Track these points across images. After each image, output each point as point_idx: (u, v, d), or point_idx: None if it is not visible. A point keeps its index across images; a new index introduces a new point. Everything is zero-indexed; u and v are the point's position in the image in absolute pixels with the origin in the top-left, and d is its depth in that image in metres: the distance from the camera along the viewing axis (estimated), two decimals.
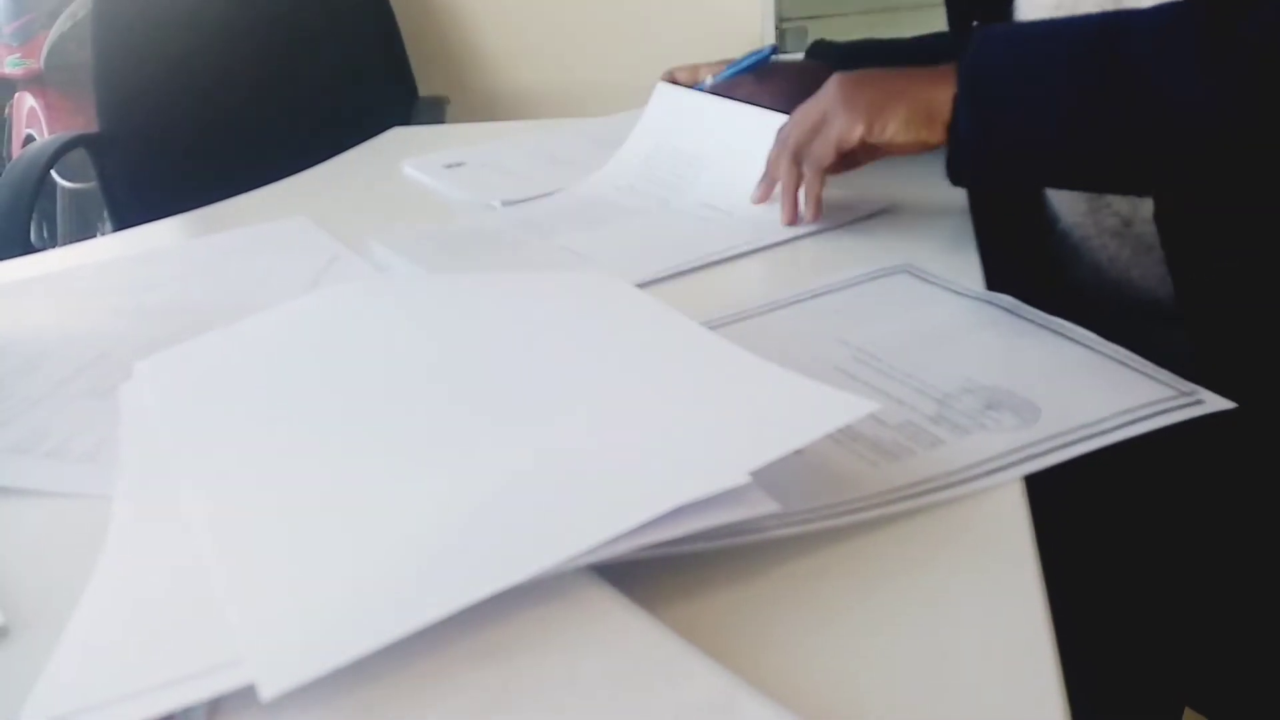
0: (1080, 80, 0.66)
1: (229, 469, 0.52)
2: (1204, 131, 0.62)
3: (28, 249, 1.66)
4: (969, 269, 0.73)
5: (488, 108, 2.21)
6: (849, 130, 0.76)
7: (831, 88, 0.79)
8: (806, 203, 0.82)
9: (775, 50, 1.04)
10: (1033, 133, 0.68)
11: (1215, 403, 0.53)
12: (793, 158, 0.82)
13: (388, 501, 0.47)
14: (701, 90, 1.03)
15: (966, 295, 0.69)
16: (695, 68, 1.06)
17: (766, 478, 0.45)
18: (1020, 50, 0.70)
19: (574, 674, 0.39)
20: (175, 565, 0.46)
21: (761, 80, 1.03)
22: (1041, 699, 0.38)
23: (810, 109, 0.81)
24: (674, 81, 1.06)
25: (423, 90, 2.10)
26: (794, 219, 0.83)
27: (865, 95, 0.77)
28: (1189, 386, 0.55)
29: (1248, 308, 0.68)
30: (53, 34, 2.39)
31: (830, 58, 1.08)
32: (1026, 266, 0.83)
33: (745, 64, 1.03)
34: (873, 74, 0.79)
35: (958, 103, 0.71)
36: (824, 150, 0.78)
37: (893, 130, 0.75)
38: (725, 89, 1.02)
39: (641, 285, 0.77)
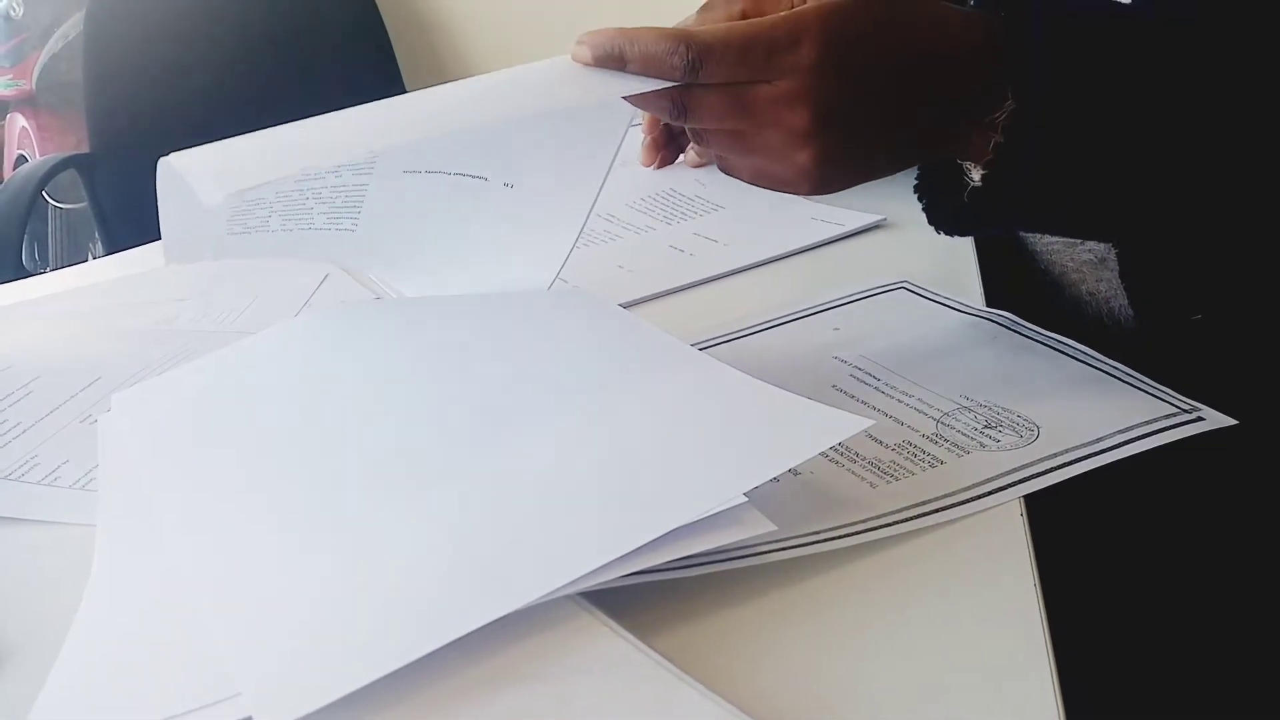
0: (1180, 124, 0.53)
1: (215, 500, 0.51)
2: None
3: (20, 271, 1.65)
4: (967, 285, 0.73)
5: None
6: (809, 185, 0.57)
7: (807, 94, 0.52)
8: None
9: None
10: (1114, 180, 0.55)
11: (1216, 420, 0.53)
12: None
13: (379, 530, 0.47)
14: None
15: (965, 311, 0.68)
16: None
17: (763, 500, 0.45)
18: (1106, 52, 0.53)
19: (565, 705, 0.39)
20: (163, 598, 0.46)
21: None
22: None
23: (768, 138, 0.55)
24: None
25: None
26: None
27: (850, 165, 0.57)
28: (1189, 403, 0.55)
29: (1221, 350, 0.67)
30: (44, 55, 2.39)
31: None
32: (1026, 282, 0.83)
33: None
34: (876, 72, 0.53)
35: (1014, 139, 0.53)
36: (756, 181, 0.59)
37: (876, 177, 0.59)
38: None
39: (633, 303, 0.77)
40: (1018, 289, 0.81)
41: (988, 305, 0.70)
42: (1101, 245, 0.74)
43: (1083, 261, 0.77)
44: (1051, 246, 0.79)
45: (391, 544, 0.46)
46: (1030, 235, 0.81)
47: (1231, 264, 0.63)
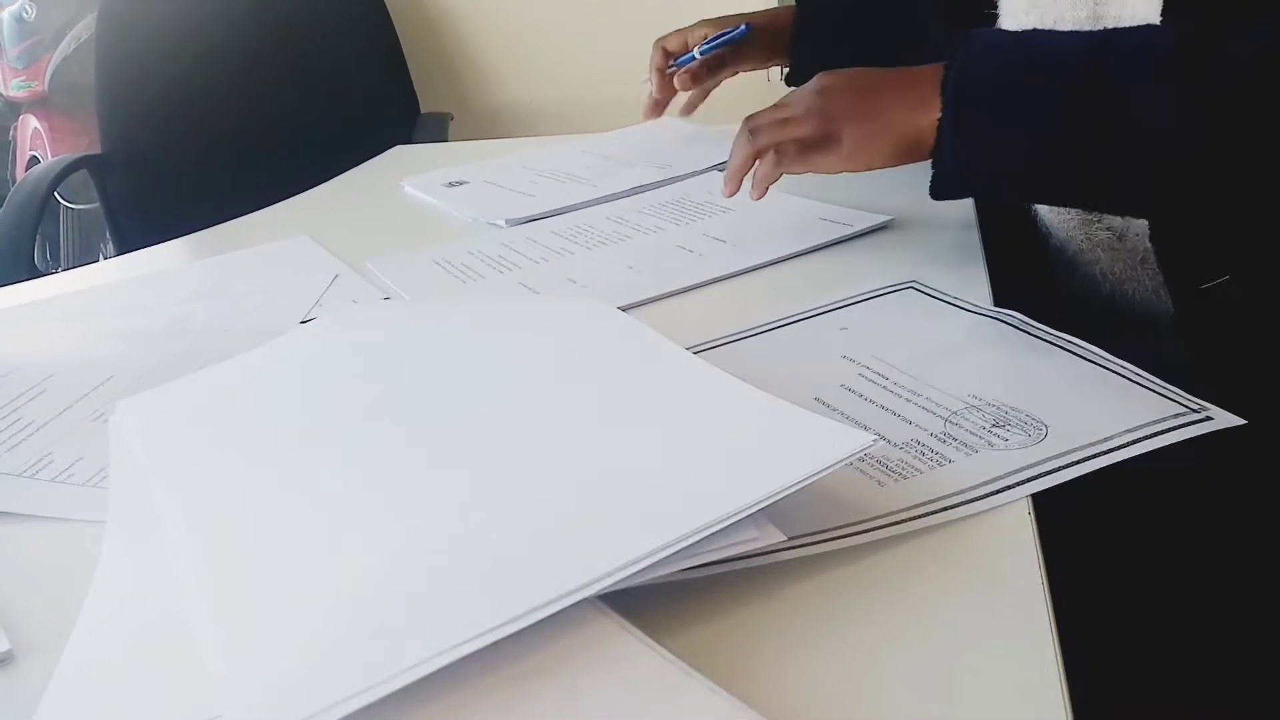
0: (1063, 111, 0.64)
1: (220, 507, 0.51)
2: (1182, 161, 0.62)
3: (33, 271, 1.66)
4: (975, 284, 0.73)
5: (490, 123, 2.22)
6: (830, 167, 0.75)
7: (813, 107, 0.76)
8: (755, 185, 0.80)
9: (749, 29, 1.14)
10: (1016, 162, 0.67)
11: (1224, 419, 0.53)
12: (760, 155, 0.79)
13: (385, 540, 0.46)
14: (692, 59, 1.15)
15: (973, 311, 0.69)
16: (682, 37, 1.16)
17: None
18: (1006, 73, 0.68)
19: (576, 701, 0.39)
20: (161, 608, 0.46)
21: (738, 51, 1.15)
22: (1049, 718, 0.38)
23: (792, 129, 0.77)
24: (665, 51, 1.17)
25: (425, 107, 2.10)
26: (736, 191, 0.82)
27: (850, 130, 0.74)
28: (1197, 403, 0.55)
29: (1246, 322, 0.67)
30: (56, 57, 2.40)
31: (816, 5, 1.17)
32: (1034, 281, 0.83)
33: (724, 39, 1.14)
34: (858, 88, 0.76)
35: (941, 131, 0.69)
36: (798, 168, 0.77)
37: (877, 164, 0.74)
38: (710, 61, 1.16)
39: (643, 303, 0.77)
40: (1031, 268, 0.82)
41: (998, 293, 0.70)
42: (1118, 222, 0.75)
43: (1098, 241, 0.77)
44: (1067, 225, 0.79)
45: (400, 554, 0.45)
46: (1044, 212, 0.82)
47: (1256, 228, 0.65)
